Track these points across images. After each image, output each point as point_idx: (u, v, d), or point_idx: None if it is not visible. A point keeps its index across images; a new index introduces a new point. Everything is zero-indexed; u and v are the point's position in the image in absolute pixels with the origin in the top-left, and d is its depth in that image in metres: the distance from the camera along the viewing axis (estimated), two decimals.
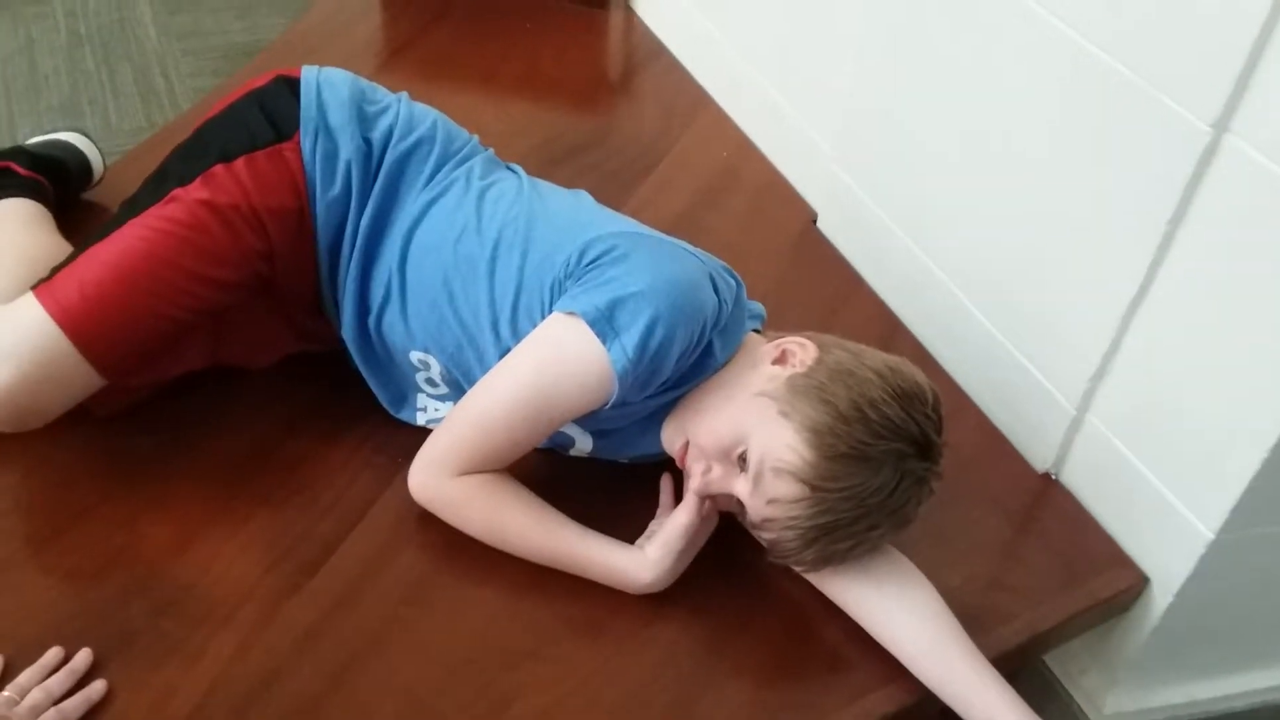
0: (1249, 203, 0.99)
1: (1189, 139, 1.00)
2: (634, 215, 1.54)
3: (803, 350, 1.03)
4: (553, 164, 1.61)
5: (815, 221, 1.61)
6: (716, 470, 1.03)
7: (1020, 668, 1.22)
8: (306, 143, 1.12)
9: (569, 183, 1.27)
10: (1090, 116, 1.11)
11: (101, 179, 1.52)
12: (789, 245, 1.58)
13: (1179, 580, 1.15)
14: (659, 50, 1.96)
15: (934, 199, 1.38)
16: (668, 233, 1.15)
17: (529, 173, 1.24)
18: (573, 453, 1.17)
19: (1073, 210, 1.17)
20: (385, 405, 1.20)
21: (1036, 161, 1.20)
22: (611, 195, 1.55)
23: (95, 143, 1.53)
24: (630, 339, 0.98)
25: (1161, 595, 1.17)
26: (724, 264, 1.13)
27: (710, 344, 1.05)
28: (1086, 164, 1.13)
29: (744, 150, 1.75)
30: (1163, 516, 1.14)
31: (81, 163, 1.49)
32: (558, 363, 1.02)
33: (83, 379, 1.08)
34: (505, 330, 1.09)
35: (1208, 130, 0.99)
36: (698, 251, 1.11)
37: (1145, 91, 1.03)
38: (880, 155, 1.46)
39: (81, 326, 1.05)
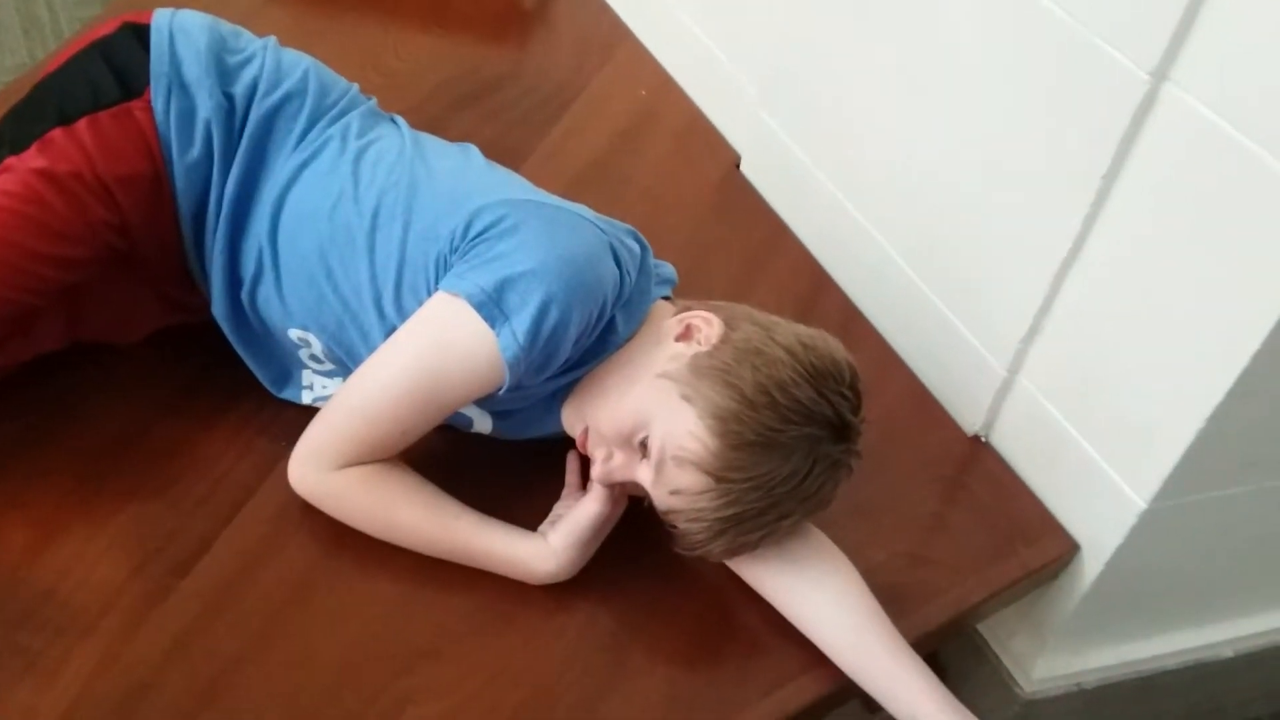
0: (1188, 156, 0.93)
1: (1127, 88, 0.94)
2: (545, 161, 1.43)
3: (708, 326, 0.95)
4: (456, 107, 1.49)
5: (739, 165, 1.52)
6: (618, 457, 0.95)
7: (949, 640, 1.19)
8: (159, 100, 1.01)
9: (475, 129, 1.16)
10: (1026, 64, 1.04)
11: None
12: (711, 191, 1.49)
13: (1110, 549, 1.11)
14: None
15: (863, 147, 1.29)
16: (579, 180, 1.06)
17: (427, 119, 1.14)
18: (473, 431, 1.09)
19: (1005, 162, 1.10)
20: (266, 385, 1.11)
21: (969, 110, 1.12)
22: (521, 141, 1.46)
23: None
24: (521, 323, 0.90)
25: (1092, 563, 1.13)
26: (627, 227, 1.04)
27: (612, 320, 0.97)
28: (1021, 114, 1.07)
29: (665, 89, 1.64)
30: (1095, 483, 1.09)
31: None
32: (442, 349, 0.94)
33: None
34: (390, 308, 1.00)
35: (1146, 79, 0.92)
36: (596, 217, 1.02)
37: (1082, 36, 0.96)
38: (808, 100, 1.37)
39: None
